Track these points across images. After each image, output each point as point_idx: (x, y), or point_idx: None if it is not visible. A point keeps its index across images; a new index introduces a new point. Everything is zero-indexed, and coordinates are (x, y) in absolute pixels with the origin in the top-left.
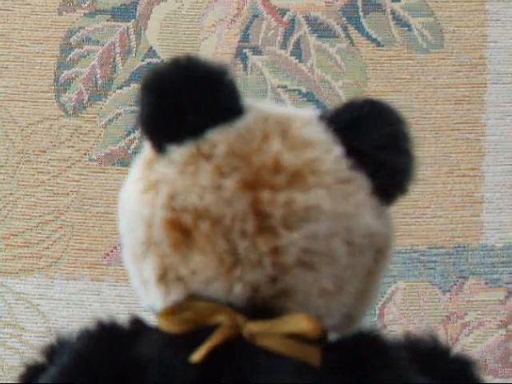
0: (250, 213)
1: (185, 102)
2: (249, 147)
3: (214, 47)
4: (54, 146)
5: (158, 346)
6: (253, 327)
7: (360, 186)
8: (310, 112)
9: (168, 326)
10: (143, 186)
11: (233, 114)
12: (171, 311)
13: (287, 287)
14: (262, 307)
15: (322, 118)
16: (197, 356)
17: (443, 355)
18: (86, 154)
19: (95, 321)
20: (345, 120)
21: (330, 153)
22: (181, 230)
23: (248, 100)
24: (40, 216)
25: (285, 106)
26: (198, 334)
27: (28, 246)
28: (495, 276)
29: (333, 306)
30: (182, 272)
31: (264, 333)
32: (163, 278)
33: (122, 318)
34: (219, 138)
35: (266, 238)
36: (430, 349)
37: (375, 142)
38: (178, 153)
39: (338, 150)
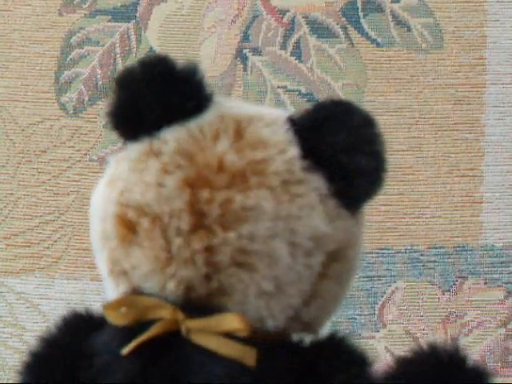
0: (186, 211)
1: (143, 99)
2: (196, 146)
3: (214, 48)
4: (55, 146)
5: (105, 337)
6: (190, 324)
7: (312, 188)
8: (281, 112)
9: (112, 318)
10: (106, 182)
11: (191, 112)
12: (114, 304)
13: (222, 286)
14: (201, 305)
15: (289, 118)
16: (126, 349)
17: (459, 366)
18: (86, 155)
19: (71, 310)
20: (308, 121)
21: (283, 154)
22: (126, 225)
23: (223, 100)
24: (40, 216)
25: (260, 106)
26: (138, 327)
27: (29, 246)
28: (495, 276)
29: (274, 307)
30: (126, 266)
31: (199, 330)
32: (112, 271)
33: (99, 309)
34: (171, 136)
35: (200, 237)
36: (447, 359)
37: (334, 144)
38: (134, 149)
39: (293, 151)
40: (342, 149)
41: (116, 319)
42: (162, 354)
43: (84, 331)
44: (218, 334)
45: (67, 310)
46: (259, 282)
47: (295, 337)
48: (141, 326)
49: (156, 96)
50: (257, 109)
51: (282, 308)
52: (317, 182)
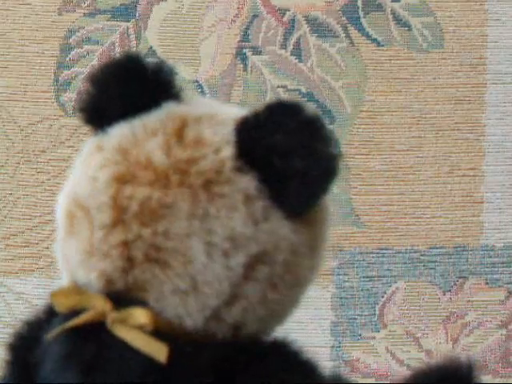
0: (109, 205)
1: (105, 94)
2: (133, 143)
3: (214, 47)
4: (54, 145)
5: (52, 323)
6: (112, 316)
7: (238, 188)
8: (240, 112)
9: (56, 306)
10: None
11: (148, 109)
12: (57, 293)
13: (138, 281)
14: (126, 298)
15: (240, 118)
16: (49, 335)
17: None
18: None
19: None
20: (250, 121)
21: (217, 154)
22: (68, 217)
23: (193, 98)
24: (40, 216)
25: (226, 106)
26: (73, 315)
27: (28, 246)
28: (495, 276)
29: (191, 306)
30: (65, 257)
31: (119, 322)
32: (61, 261)
33: None
34: (115, 132)
35: (118, 231)
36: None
37: (269, 146)
38: (88, 144)
39: (227, 152)
40: (276, 151)
41: (58, 307)
42: (87, 342)
43: (47, 321)
44: (135, 328)
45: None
46: (174, 279)
47: (222, 337)
48: (76, 314)
49: (115, 91)
50: (217, 109)
51: (199, 307)
52: (245, 183)
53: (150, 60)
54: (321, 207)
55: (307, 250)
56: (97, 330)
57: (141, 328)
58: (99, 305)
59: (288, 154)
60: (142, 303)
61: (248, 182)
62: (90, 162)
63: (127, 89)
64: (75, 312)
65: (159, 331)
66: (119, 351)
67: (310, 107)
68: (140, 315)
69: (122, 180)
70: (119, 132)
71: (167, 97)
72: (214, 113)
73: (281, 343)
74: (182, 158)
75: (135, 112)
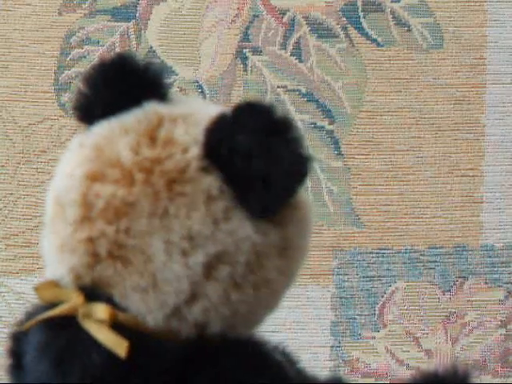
0: (79, 202)
1: (92, 92)
2: (108, 141)
3: (214, 47)
4: (55, 146)
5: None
6: (81, 309)
7: (201, 188)
8: (218, 111)
9: (39, 298)
10: None
11: (128, 107)
12: (39, 286)
13: (103, 277)
14: (96, 293)
15: (211, 118)
16: (25, 325)
17: None
18: None
19: None
20: (220, 121)
21: (184, 153)
22: (50, 212)
23: (181, 98)
24: (40, 216)
25: (209, 105)
26: (48, 308)
27: (28, 246)
28: (495, 276)
29: (151, 303)
30: (45, 251)
31: (86, 316)
32: (43, 255)
33: None
34: (95, 130)
35: (85, 228)
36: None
37: (233, 147)
38: (73, 140)
39: (194, 151)
40: (238, 151)
41: (40, 299)
42: (59, 335)
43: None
44: (100, 322)
45: None
46: (134, 276)
47: (186, 336)
48: (53, 306)
49: (101, 90)
50: (197, 108)
51: (159, 305)
52: (208, 184)
53: (140, 60)
54: (294, 208)
55: (275, 251)
56: (69, 323)
57: (105, 323)
58: (73, 299)
59: (249, 156)
60: (108, 299)
61: (211, 182)
62: (70, 159)
63: (112, 88)
64: (53, 305)
65: (124, 327)
66: (84, 345)
67: (281, 109)
68: (100, 310)
69: (92, 177)
70: (98, 130)
71: (154, 96)
72: (191, 113)
73: (247, 343)
74: (149, 157)
75: (120, 111)
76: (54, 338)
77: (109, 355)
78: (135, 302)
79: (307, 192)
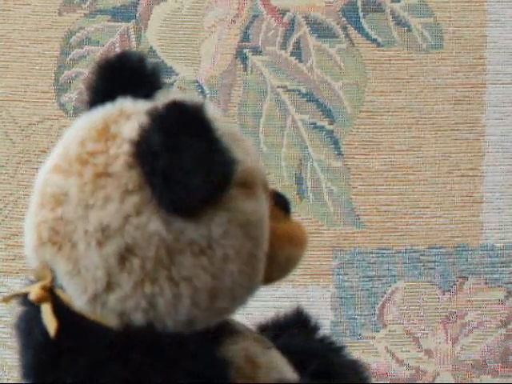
0: (39, 190)
1: (87, 89)
2: (73, 134)
3: (214, 47)
4: (55, 146)
5: None
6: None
7: (120, 183)
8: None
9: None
10: None
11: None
12: (31, 272)
13: (45, 261)
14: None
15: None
16: (5, 298)
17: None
18: None
19: None
20: (148, 119)
21: (118, 148)
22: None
23: (175, 94)
24: None
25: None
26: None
27: None
28: (495, 276)
29: (75, 287)
30: None
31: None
32: None
33: None
34: (75, 124)
35: (37, 213)
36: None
37: (148, 145)
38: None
39: (125, 147)
40: (154, 149)
41: (34, 277)
42: (31, 310)
43: None
44: (49, 302)
45: None
46: (64, 261)
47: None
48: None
49: (94, 86)
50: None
51: (82, 290)
52: (128, 179)
53: (136, 59)
54: (225, 210)
55: (193, 249)
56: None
57: (48, 303)
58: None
59: (163, 154)
60: (53, 281)
61: (130, 178)
62: (54, 151)
63: (102, 85)
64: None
65: (65, 308)
66: (35, 322)
67: (210, 109)
68: (33, 292)
69: (54, 168)
70: (76, 124)
71: (150, 90)
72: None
73: (170, 339)
74: (89, 151)
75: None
76: (30, 312)
77: (45, 334)
78: (67, 285)
79: (307, 192)
